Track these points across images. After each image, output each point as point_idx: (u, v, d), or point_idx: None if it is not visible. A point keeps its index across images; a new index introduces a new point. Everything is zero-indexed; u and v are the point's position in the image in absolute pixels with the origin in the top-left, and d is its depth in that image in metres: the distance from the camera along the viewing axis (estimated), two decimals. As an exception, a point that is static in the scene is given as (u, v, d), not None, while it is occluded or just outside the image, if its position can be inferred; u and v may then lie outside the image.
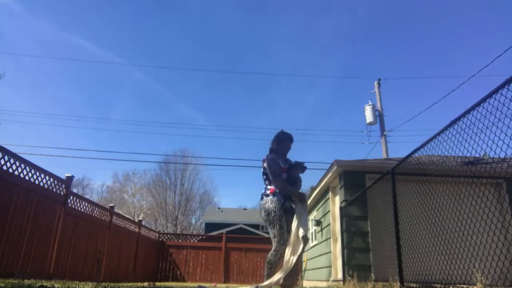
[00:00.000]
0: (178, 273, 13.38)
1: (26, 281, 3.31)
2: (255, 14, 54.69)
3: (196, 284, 8.65)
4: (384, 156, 13.43)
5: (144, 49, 54.20)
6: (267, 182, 3.79)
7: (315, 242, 9.55)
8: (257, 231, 31.36)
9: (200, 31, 55.88)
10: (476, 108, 2.82)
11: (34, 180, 5.49)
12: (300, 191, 3.84)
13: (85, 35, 50.62)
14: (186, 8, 53.36)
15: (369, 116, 13.93)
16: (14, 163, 4.98)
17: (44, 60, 60.76)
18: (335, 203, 7.73)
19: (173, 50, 56.23)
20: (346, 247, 6.52)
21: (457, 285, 3.45)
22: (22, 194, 5.16)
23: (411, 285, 3.97)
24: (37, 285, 2.87)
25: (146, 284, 5.68)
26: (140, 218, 18.09)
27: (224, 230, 20.14)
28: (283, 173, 3.75)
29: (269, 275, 3.56)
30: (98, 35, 51.44)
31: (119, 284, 4.49)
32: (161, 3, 51.74)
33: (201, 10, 52.23)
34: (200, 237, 15.55)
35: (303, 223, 3.58)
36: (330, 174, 7.51)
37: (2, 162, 4.75)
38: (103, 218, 8.41)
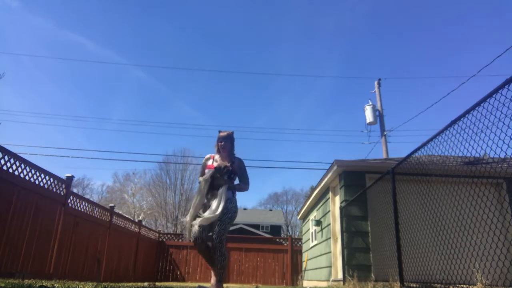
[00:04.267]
0: (178, 273, 13.38)
1: (26, 281, 3.31)
2: (256, 14, 54.67)
3: (196, 284, 8.65)
4: (384, 156, 13.42)
5: (144, 48, 54.23)
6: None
7: (315, 242, 9.55)
8: (257, 231, 31.35)
9: (200, 30, 55.91)
10: (476, 108, 2.82)
11: (34, 180, 5.49)
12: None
13: (84, 32, 50.64)
14: (186, 6, 53.36)
15: (369, 116, 13.92)
16: (14, 163, 4.98)
17: (43, 59, 60.74)
18: (335, 203, 7.73)
19: (173, 48, 56.25)
20: (346, 247, 6.52)
21: (457, 285, 3.45)
22: (22, 194, 5.16)
23: (411, 285, 3.97)
24: (37, 285, 2.87)
25: (146, 284, 5.68)
26: (140, 218, 18.09)
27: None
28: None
29: None
30: (97, 33, 51.45)
31: (119, 284, 4.49)
32: (161, 0, 51.73)
33: (201, 8, 52.25)
34: (200, 237, 15.52)
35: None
36: (330, 174, 7.51)
37: (2, 162, 4.75)
38: (103, 218, 8.41)
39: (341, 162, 7.04)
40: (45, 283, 3.29)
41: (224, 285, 10.37)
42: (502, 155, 2.54)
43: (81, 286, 3.50)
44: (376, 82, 14.56)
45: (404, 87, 63.16)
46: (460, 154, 3.15)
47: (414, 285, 3.91)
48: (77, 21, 48.13)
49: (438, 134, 3.42)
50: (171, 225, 34.11)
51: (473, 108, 2.86)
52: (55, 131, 57.94)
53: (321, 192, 8.83)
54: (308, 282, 10.43)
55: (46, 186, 5.82)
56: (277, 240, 14.69)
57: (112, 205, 9.46)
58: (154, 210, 34.20)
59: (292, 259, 13.32)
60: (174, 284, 8.78)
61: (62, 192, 6.35)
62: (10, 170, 4.91)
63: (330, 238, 7.66)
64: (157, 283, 6.66)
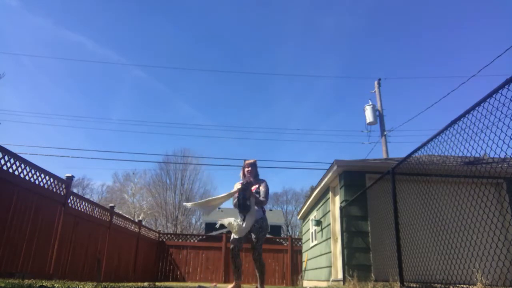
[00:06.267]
0: (178, 273, 13.38)
1: (26, 281, 3.31)
2: (256, 14, 54.70)
3: (196, 284, 8.65)
4: (384, 156, 13.42)
5: (143, 47, 54.17)
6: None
7: (315, 242, 9.55)
8: (257, 231, 31.28)
9: (200, 30, 55.91)
10: (476, 108, 2.82)
11: (34, 180, 5.49)
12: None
13: (84, 32, 50.54)
14: (185, 6, 53.36)
15: (369, 116, 13.93)
16: (14, 163, 4.98)
17: (43, 59, 60.82)
18: (335, 203, 7.73)
19: (173, 48, 56.23)
20: (346, 247, 6.52)
21: (457, 285, 3.45)
22: (22, 194, 5.16)
23: (411, 285, 3.97)
24: (37, 285, 2.87)
25: (146, 284, 5.68)
26: (140, 218, 18.10)
27: (224, 230, 20.11)
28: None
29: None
30: (97, 32, 51.39)
31: (119, 284, 4.49)
32: (161, 0, 51.73)
33: (201, 8, 52.23)
34: (200, 237, 15.54)
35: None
36: (330, 174, 7.51)
37: (2, 162, 4.75)
38: (103, 218, 8.41)
39: (341, 162, 7.04)
40: (45, 283, 3.29)
41: (224, 285, 10.40)
42: (502, 155, 2.54)
43: (81, 286, 3.50)
44: (376, 82, 14.57)
45: (404, 87, 63.15)
46: (460, 154, 3.15)
47: (414, 285, 3.91)
48: (77, 20, 48.12)
49: (438, 134, 3.42)
50: (171, 225, 34.10)
51: (473, 108, 2.86)
52: (55, 131, 57.88)
53: (321, 192, 8.83)
54: (308, 282, 10.43)
55: (46, 186, 5.82)
56: (277, 240, 14.69)
57: (112, 205, 9.47)
58: (154, 210, 34.19)
59: (292, 259, 13.32)
60: (174, 284, 8.78)
61: (62, 192, 6.35)
62: (10, 170, 4.91)
63: (330, 238, 7.66)
64: (157, 283, 6.66)
